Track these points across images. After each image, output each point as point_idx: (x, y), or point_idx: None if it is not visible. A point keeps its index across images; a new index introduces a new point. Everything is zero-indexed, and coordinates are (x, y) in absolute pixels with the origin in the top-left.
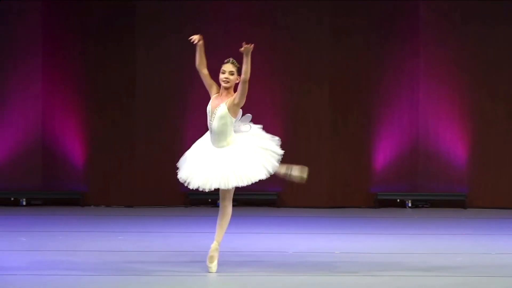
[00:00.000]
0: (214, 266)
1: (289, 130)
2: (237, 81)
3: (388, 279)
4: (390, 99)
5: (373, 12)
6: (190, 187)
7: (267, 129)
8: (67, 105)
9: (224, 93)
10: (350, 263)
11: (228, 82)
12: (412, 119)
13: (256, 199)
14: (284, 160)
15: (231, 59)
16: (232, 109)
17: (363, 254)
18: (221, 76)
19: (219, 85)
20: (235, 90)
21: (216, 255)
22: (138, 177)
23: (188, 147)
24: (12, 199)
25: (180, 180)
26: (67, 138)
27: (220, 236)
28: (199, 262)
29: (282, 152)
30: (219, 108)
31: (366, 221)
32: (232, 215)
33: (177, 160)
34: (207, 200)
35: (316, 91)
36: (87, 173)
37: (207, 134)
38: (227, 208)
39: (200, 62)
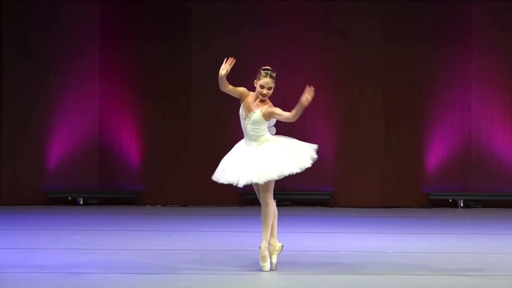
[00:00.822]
0: (267, 265)
1: (342, 131)
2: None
3: (441, 278)
4: (442, 101)
5: (426, 15)
6: (221, 181)
7: (320, 130)
8: (123, 105)
9: (258, 100)
10: (402, 263)
11: (265, 97)
12: (464, 121)
13: (309, 198)
14: (338, 157)
15: (269, 72)
16: (266, 115)
17: (415, 254)
18: (260, 90)
19: (249, 89)
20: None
21: (267, 254)
22: (193, 177)
23: None
24: (70, 198)
25: (213, 178)
26: (123, 138)
27: (266, 234)
28: (253, 261)
29: (315, 156)
30: (253, 114)
31: (418, 221)
32: (286, 215)
33: None
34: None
35: (369, 92)
36: (143, 172)
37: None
38: (266, 206)
39: (223, 86)
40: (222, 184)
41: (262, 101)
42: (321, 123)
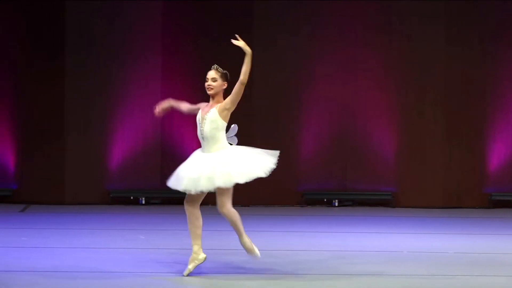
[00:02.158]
0: (257, 251)
1: (404, 132)
2: (224, 87)
3: (507, 279)
4: (504, 104)
5: (488, 17)
6: (178, 188)
7: (382, 130)
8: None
9: (212, 101)
10: (465, 263)
11: (211, 89)
12: None
13: (370, 199)
14: (399, 158)
15: (215, 66)
16: (223, 113)
17: (477, 254)
18: (205, 84)
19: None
20: (224, 98)
21: (251, 245)
22: None
23: (301, 147)
24: (132, 198)
25: (169, 185)
26: (185, 138)
27: (242, 233)
28: (314, 260)
29: (275, 161)
30: (209, 113)
31: (480, 222)
32: (348, 215)
33: (292, 160)
34: (322, 200)
35: (430, 93)
36: None
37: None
38: (230, 213)
39: (186, 111)
40: (283, 184)
41: (216, 103)
42: (382, 124)
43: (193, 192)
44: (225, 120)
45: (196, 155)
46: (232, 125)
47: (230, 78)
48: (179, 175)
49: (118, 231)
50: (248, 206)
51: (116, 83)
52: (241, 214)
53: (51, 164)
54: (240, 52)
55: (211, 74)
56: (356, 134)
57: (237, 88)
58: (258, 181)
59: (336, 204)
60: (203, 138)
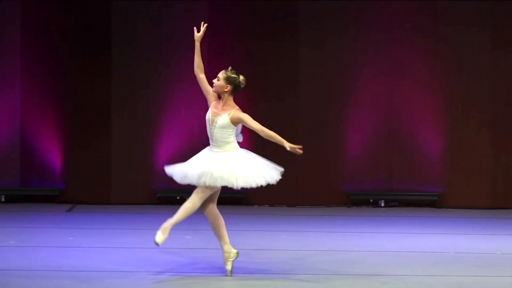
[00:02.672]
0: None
1: (450, 133)
2: (225, 89)
3: None
4: None
5: None
6: (183, 182)
7: (428, 131)
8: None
9: (222, 102)
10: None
11: (213, 86)
12: None
13: (417, 199)
14: (446, 158)
15: (229, 68)
16: (234, 120)
17: None
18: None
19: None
20: (235, 101)
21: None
22: (300, 177)
23: (347, 147)
24: (178, 198)
25: (170, 174)
26: None
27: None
28: (359, 261)
29: (279, 177)
30: (220, 118)
31: None
32: (394, 216)
33: (338, 160)
34: (368, 201)
35: (476, 96)
36: None
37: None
38: (213, 213)
39: (198, 65)
40: (329, 184)
41: (226, 106)
42: (428, 124)
43: (217, 185)
44: (234, 126)
45: (206, 153)
46: (238, 135)
47: (274, 75)
48: (191, 170)
49: None
50: (295, 206)
51: (161, 82)
52: (287, 215)
53: (97, 164)
54: (286, 53)
55: (220, 73)
56: (402, 135)
57: (257, 128)
58: (304, 181)
59: (382, 204)
60: (212, 139)
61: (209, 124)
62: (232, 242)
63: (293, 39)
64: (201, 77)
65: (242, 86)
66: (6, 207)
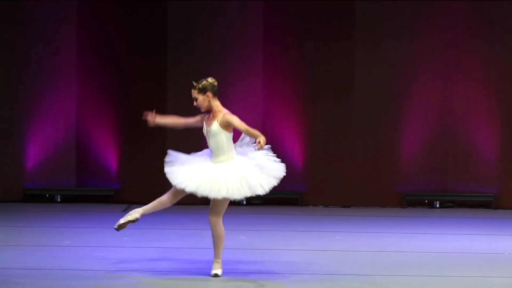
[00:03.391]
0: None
1: (506, 134)
2: (208, 98)
3: None
4: None
5: None
6: (186, 190)
7: (483, 131)
8: (287, 104)
9: (212, 111)
10: None
11: (200, 107)
12: None
13: (472, 200)
14: (501, 158)
15: (193, 84)
16: (223, 124)
17: None
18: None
19: (205, 112)
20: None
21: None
22: (355, 178)
23: (402, 148)
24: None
25: (173, 182)
26: (286, 137)
27: (218, 253)
28: (414, 262)
29: (282, 174)
30: (212, 126)
31: None
32: (448, 216)
33: (393, 161)
34: (423, 201)
35: None
36: (305, 173)
37: (207, 150)
38: (215, 226)
39: (177, 123)
40: (384, 185)
41: (215, 113)
42: (483, 126)
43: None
44: (229, 131)
45: (203, 160)
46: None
47: (329, 77)
48: (186, 175)
49: None
50: (349, 207)
51: (217, 82)
52: (342, 215)
53: (152, 164)
54: (341, 53)
55: (193, 93)
56: (457, 136)
57: (243, 129)
58: (359, 182)
59: (437, 205)
60: (211, 149)
61: (207, 136)
62: (287, 243)
63: (349, 41)
64: (186, 121)
65: (215, 84)
66: (62, 207)
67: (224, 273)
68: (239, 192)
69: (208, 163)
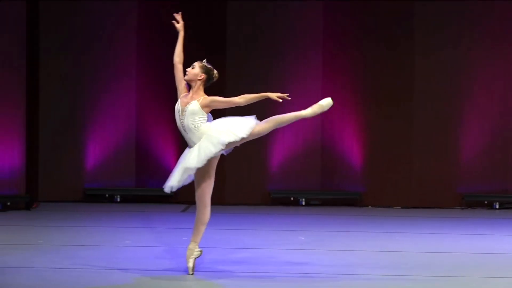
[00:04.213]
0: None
1: None
2: (199, 77)
3: None
4: None
5: None
6: (176, 186)
7: None
8: (346, 105)
9: (192, 92)
10: None
11: (186, 74)
12: None
13: None
14: None
15: (204, 60)
16: (205, 109)
17: None
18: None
19: (187, 86)
20: (205, 93)
21: (188, 254)
22: (414, 179)
23: (462, 149)
24: (292, 198)
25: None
26: (345, 138)
27: (197, 236)
28: (472, 263)
29: (254, 122)
30: (190, 105)
31: None
32: (509, 217)
33: (452, 162)
34: (483, 202)
35: None
36: (364, 174)
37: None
38: (201, 210)
39: (179, 54)
40: (443, 186)
41: (196, 95)
42: None
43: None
44: (206, 112)
45: (188, 150)
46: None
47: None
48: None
49: (278, 231)
50: (408, 207)
51: (275, 81)
52: (401, 216)
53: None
54: (401, 53)
55: (195, 62)
56: (494, 133)
57: (231, 102)
58: (418, 182)
59: (497, 206)
60: (184, 130)
61: (179, 115)
62: (343, 243)
63: (409, 44)
64: (179, 66)
65: (215, 79)
66: (121, 207)
67: (282, 273)
68: (248, 126)
69: (190, 149)
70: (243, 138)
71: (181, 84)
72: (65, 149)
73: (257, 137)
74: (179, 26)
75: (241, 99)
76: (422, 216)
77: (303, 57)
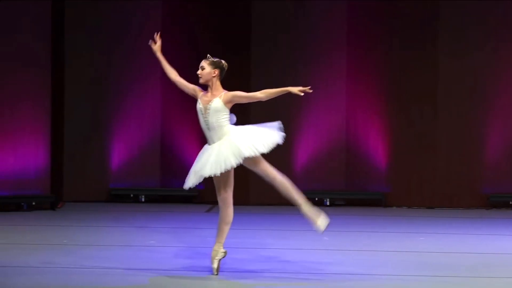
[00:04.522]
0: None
1: None
2: (214, 75)
3: None
4: None
5: None
6: (191, 184)
7: None
8: (370, 106)
9: (211, 90)
10: None
11: (200, 77)
12: None
13: None
14: None
15: (208, 56)
16: (227, 105)
17: None
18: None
19: (202, 87)
20: (223, 87)
21: (213, 254)
22: (438, 179)
23: (487, 150)
24: (316, 199)
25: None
26: (369, 139)
27: (221, 237)
28: (497, 263)
29: (279, 136)
30: (212, 103)
31: None
32: None
33: (477, 162)
34: (508, 203)
35: None
36: (388, 174)
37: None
38: (224, 211)
39: (170, 72)
40: (468, 186)
41: (215, 91)
42: None
43: (220, 171)
44: (228, 107)
45: (207, 149)
46: (230, 115)
47: (413, 80)
48: (197, 169)
49: (302, 232)
50: (433, 208)
51: (300, 80)
52: (425, 216)
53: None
54: (427, 57)
55: (202, 63)
56: None
57: (253, 97)
58: (443, 183)
59: None
60: (208, 128)
61: (202, 114)
62: (369, 244)
63: (433, 45)
64: (179, 79)
65: (226, 68)
66: (146, 207)
67: (306, 273)
68: (269, 142)
69: (210, 147)
70: (261, 154)
71: (195, 91)
72: (90, 149)
73: (258, 172)
74: (156, 47)
75: (262, 94)
76: (447, 216)
77: (327, 58)
